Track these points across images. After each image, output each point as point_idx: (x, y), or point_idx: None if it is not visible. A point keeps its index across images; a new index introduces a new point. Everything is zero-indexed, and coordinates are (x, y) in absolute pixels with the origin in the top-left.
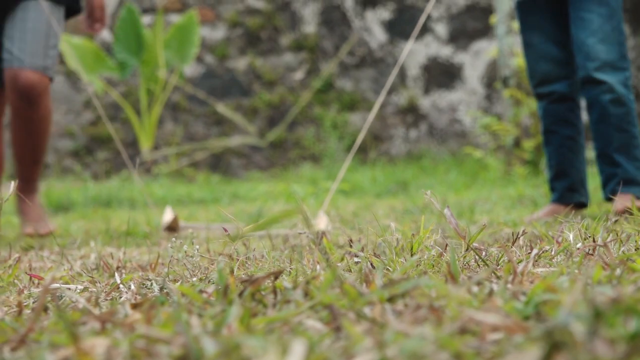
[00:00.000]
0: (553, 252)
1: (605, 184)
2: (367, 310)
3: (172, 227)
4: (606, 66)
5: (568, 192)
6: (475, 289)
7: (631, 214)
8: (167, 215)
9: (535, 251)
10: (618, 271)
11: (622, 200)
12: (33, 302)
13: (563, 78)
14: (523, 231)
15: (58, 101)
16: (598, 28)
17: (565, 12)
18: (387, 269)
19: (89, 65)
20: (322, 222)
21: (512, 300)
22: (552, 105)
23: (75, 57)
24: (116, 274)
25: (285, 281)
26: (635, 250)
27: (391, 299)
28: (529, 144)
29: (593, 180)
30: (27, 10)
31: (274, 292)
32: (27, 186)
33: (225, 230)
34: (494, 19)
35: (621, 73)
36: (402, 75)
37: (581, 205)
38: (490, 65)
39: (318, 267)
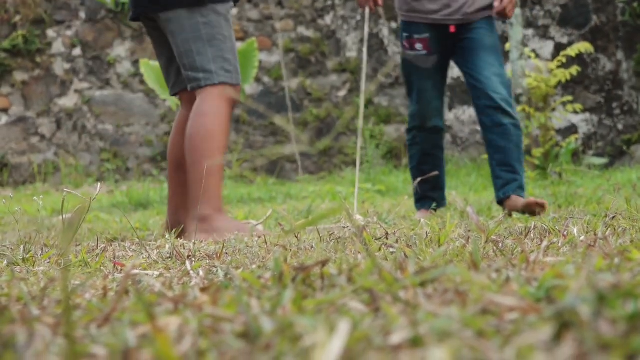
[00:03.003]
0: (560, 244)
1: (502, 187)
2: (401, 294)
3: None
4: (506, 100)
5: (441, 200)
6: (494, 275)
7: (522, 212)
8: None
9: (545, 243)
10: (617, 260)
11: (518, 201)
12: (116, 286)
13: (440, 116)
14: (534, 226)
15: (139, 115)
16: (498, 73)
17: (447, 68)
18: (419, 258)
19: (164, 85)
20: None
21: (526, 285)
22: (432, 135)
23: (153, 78)
24: (187, 262)
25: (331, 268)
26: (631, 242)
27: (422, 284)
28: (538, 152)
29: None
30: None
31: (322, 278)
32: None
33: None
34: (508, 46)
35: (514, 107)
36: None
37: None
38: None
39: (359, 256)
